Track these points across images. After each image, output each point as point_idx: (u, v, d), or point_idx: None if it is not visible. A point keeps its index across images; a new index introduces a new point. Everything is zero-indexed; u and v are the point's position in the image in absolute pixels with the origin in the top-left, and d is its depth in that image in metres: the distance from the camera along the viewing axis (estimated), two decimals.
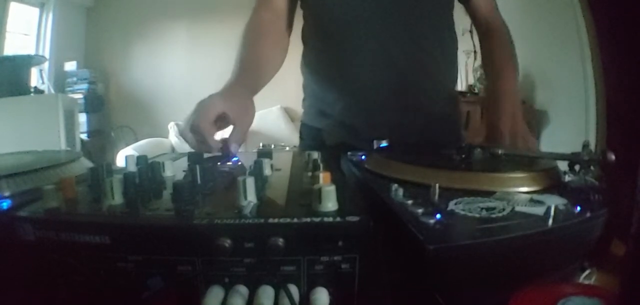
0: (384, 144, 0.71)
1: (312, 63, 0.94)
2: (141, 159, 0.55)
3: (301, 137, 1.01)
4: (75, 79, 3.87)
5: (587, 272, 0.38)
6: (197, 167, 0.45)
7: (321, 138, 0.92)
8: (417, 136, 0.85)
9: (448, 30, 0.90)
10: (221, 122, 0.64)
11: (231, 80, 0.72)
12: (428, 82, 0.87)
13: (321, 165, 0.51)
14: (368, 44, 0.82)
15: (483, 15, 0.89)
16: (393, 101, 0.84)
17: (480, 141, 0.74)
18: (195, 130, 0.61)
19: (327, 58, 0.88)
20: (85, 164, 0.66)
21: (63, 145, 2.53)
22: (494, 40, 0.87)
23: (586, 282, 0.38)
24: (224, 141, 0.63)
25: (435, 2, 0.86)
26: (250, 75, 0.75)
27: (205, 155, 0.62)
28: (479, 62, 2.78)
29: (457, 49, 0.94)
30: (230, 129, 0.65)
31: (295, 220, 0.33)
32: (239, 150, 0.64)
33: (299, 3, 0.90)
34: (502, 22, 0.89)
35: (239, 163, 0.61)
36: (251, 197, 0.37)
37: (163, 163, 0.52)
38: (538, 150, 0.71)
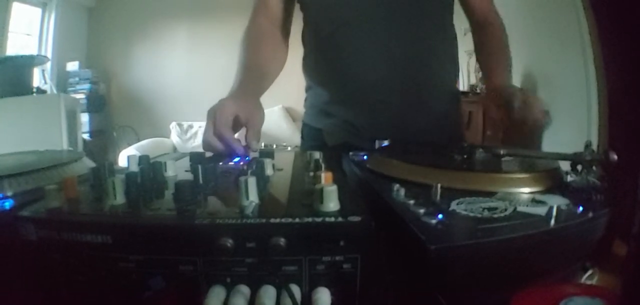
0: (385, 143, 0.71)
1: (313, 65, 0.94)
2: (143, 159, 0.55)
3: (303, 138, 1.01)
4: (77, 79, 3.87)
5: (589, 272, 0.38)
6: (199, 167, 0.45)
7: (322, 138, 0.92)
8: (419, 135, 0.85)
9: (448, 28, 0.90)
10: (234, 125, 0.65)
11: (235, 86, 0.73)
12: (430, 79, 0.87)
13: (323, 165, 0.51)
14: (369, 43, 0.82)
15: (480, 9, 0.89)
16: (395, 100, 0.84)
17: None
18: (218, 135, 0.63)
19: (328, 59, 0.88)
20: (87, 163, 0.66)
21: (65, 145, 2.53)
22: (489, 33, 0.88)
23: (588, 282, 0.38)
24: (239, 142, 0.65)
25: (436, 0, 0.86)
26: (251, 81, 0.76)
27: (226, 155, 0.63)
28: None
29: (457, 46, 0.94)
30: (241, 131, 0.68)
31: (297, 220, 0.33)
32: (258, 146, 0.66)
33: (296, 7, 0.90)
34: (497, 15, 0.90)
35: (249, 161, 0.62)
36: (253, 197, 0.37)
37: (165, 163, 0.52)
38: (540, 151, 0.70)
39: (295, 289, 0.33)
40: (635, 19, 1.71)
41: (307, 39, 0.93)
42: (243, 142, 0.67)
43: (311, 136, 0.96)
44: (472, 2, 0.89)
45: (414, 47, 0.83)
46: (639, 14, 1.68)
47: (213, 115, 0.64)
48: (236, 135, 0.67)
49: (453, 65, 0.92)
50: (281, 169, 0.57)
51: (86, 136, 3.61)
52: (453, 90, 0.96)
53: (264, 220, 0.34)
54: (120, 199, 0.39)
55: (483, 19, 0.90)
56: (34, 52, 3.50)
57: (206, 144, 0.64)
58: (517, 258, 0.33)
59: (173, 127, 4.04)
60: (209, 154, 0.64)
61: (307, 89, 0.99)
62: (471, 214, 0.36)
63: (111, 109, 4.24)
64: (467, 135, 1.02)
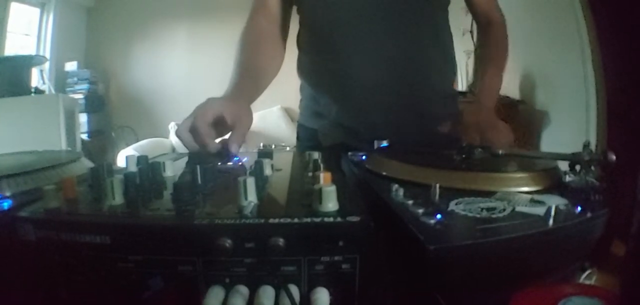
0: (384, 144, 0.71)
1: (308, 67, 0.94)
2: (142, 159, 0.55)
3: (298, 138, 1.01)
4: (75, 79, 3.86)
5: (587, 272, 0.38)
6: (198, 167, 0.45)
7: (318, 139, 0.92)
8: (415, 136, 0.85)
9: (444, 29, 0.90)
10: (220, 127, 0.64)
11: (230, 88, 0.72)
12: (426, 81, 0.87)
13: (322, 166, 0.51)
14: (365, 44, 0.82)
15: (483, 9, 0.90)
16: (390, 101, 0.84)
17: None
18: (193, 130, 0.61)
19: (323, 60, 0.88)
20: (86, 164, 0.66)
21: (64, 146, 2.53)
22: (490, 35, 0.90)
23: (587, 282, 0.38)
24: (224, 142, 0.63)
25: (432, 0, 0.86)
26: (248, 83, 0.75)
27: (206, 155, 0.62)
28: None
29: (453, 47, 0.94)
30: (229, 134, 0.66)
31: (296, 220, 0.33)
32: (239, 151, 0.65)
33: (294, 9, 0.90)
34: (501, 16, 0.91)
35: (240, 163, 0.61)
36: (252, 197, 0.37)
37: (163, 163, 0.52)
38: (539, 151, 0.70)
39: (294, 289, 0.33)
40: (634, 19, 1.71)
41: (303, 40, 0.93)
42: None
43: (307, 137, 0.96)
44: (475, 2, 0.90)
45: (410, 48, 0.83)
46: (638, 14, 1.68)
47: (196, 110, 0.62)
48: (220, 140, 0.65)
49: (449, 66, 0.93)
50: (280, 169, 0.57)
51: (85, 136, 3.61)
52: (449, 91, 0.96)
53: (262, 221, 0.34)
54: (118, 199, 0.39)
55: (485, 19, 0.90)
56: (33, 52, 3.49)
57: (179, 135, 0.62)
58: (515, 258, 0.33)
59: (172, 127, 4.03)
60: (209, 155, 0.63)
61: (302, 89, 0.99)
62: (470, 214, 0.36)
63: (110, 109, 4.23)
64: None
